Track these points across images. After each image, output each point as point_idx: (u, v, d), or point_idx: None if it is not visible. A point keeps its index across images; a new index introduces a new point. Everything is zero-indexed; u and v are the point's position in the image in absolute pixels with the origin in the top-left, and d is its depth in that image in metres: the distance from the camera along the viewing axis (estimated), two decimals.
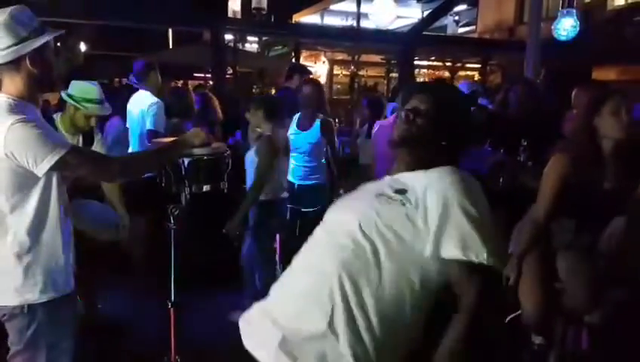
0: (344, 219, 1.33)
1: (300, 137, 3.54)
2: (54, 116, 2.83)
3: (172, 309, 2.23)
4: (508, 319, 2.83)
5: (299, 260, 1.38)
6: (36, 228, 1.63)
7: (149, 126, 3.48)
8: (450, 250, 1.20)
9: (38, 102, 1.73)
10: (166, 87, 3.85)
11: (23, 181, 1.59)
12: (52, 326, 1.68)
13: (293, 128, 3.61)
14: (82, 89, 2.72)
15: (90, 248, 2.55)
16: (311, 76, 5.02)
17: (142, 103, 3.59)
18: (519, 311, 2.63)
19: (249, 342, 1.31)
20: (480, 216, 1.23)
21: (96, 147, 2.83)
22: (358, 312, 1.18)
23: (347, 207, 1.41)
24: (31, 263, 1.63)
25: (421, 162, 1.37)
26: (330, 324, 1.19)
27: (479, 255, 1.19)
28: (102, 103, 2.75)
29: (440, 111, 1.38)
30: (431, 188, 1.27)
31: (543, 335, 2.52)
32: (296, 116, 3.66)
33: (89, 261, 2.67)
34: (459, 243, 1.20)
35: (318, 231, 1.39)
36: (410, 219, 1.24)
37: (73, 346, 1.76)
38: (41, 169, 1.55)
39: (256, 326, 1.33)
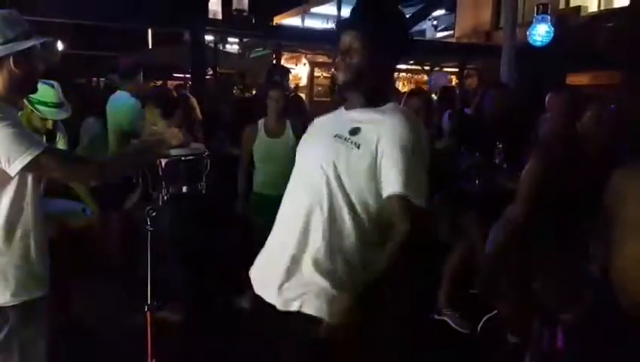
0: (310, 162, 1.49)
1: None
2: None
3: (148, 312, 2.21)
4: (484, 319, 2.88)
5: (282, 206, 1.56)
6: (7, 230, 1.60)
7: (126, 127, 3.45)
8: (393, 187, 1.36)
9: (17, 104, 1.73)
10: (146, 87, 3.80)
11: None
12: (25, 328, 1.65)
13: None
14: (40, 92, 2.54)
15: (64, 248, 2.52)
16: (291, 77, 5.02)
17: (120, 104, 3.56)
18: (495, 311, 2.68)
19: (257, 287, 1.54)
20: (417, 158, 1.39)
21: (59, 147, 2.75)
22: (328, 235, 1.40)
23: (310, 150, 1.55)
24: (3, 265, 1.60)
25: (370, 99, 1.48)
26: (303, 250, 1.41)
27: (416, 194, 1.36)
28: (59, 107, 2.65)
29: (373, 43, 1.44)
30: (382, 131, 1.39)
31: (519, 335, 2.56)
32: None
33: (63, 262, 2.65)
34: (400, 181, 1.35)
35: (294, 174, 1.56)
36: (361, 159, 1.39)
37: (46, 349, 1.73)
38: (13, 168, 1.53)
39: (261, 272, 1.55)
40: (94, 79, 9.66)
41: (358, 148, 1.39)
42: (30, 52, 1.65)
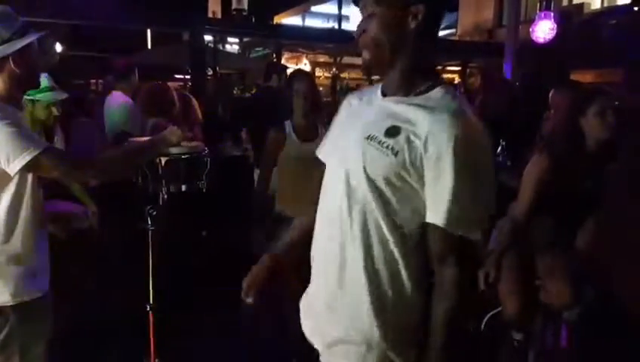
0: (335, 169, 1.20)
1: None
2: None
3: (151, 313, 2.19)
4: (488, 316, 2.85)
5: (317, 222, 1.28)
6: (7, 229, 1.59)
7: (121, 127, 3.43)
8: (436, 217, 1.07)
9: (19, 103, 1.72)
10: (143, 87, 3.77)
11: None
12: (25, 329, 1.63)
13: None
14: None
15: (64, 249, 2.51)
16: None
17: (114, 104, 3.55)
18: (499, 308, 2.65)
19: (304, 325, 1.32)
20: (478, 172, 1.07)
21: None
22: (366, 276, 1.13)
23: (336, 153, 1.23)
24: (2, 264, 1.59)
25: (408, 79, 1.14)
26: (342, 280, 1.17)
27: (469, 226, 1.08)
28: (54, 90, 2.73)
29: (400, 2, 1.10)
30: (429, 133, 1.05)
31: (523, 332, 2.54)
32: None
33: (64, 263, 2.63)
34: (448, 210, 1.05)
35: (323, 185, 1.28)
36: (399, 173, 1.08)
37: (47, 351, 1.72)
38: (13, 168, 1.51)
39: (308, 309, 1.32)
40: (93, 81, 9.65)
41: (396, 155, 1.07)
42: (28, 49, 1.64)
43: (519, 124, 4.02)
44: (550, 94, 3.44)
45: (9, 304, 1.60)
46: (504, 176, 3.31)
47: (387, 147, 1.08)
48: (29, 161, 1.51)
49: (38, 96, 2.67)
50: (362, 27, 1.14)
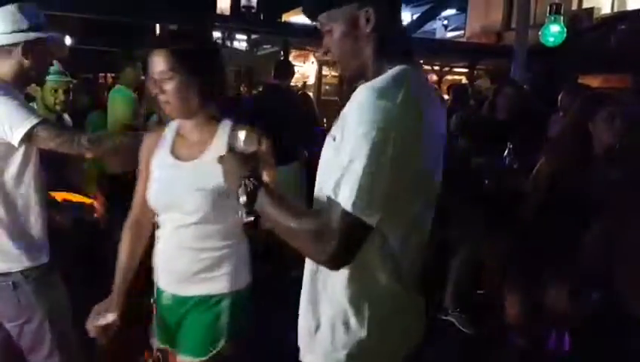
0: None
1: None
2: (33, 105, 2.80)
3: (153, 304, 2.20)
4: (491, 320, 2.84)
5: None
6: (9, 201, 1.70)
7: (123, 120, 3.45)
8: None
9: (21, 92, 1.77)
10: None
11: (4, 151, 1.66)
12: (42, 290, 1.74)
13: None
14: None
15: (67, 243, 2.52)
16: (299, 75, 4.99)
17: (117, 97, 3.57)
18: (502, 312, 2.64)
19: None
20: (373, 148, 0.97)
21: None
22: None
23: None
24: (4, 234, 1.69)
25: (372, 70, 1.12)
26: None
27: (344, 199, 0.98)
28: (62, 74, 2.79)
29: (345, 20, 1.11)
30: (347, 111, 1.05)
31: (526, 337, 2.53)
32: None
33: (65, 258, 2.64)
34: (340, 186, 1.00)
35: None
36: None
37: (71, 316, 1.83)
38: (16, 137, 1.60)
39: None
40: (101, 74, 9.69)
41: (334, 140, 1.08)
42: (40, 44, 1.72)
43: (528, 125, 4.00)
44: (560, 97, 3.43)
45: (14, 270, 1.70)
46: (510, 178, 3.30)
47: (332, 137, 1.09)
48: (28, 130, 1.60)
49: (48, 77, 2.70)
50: (326, 46, 1.15)
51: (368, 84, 1.05)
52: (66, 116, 2.99)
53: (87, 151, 1.70)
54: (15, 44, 1.67)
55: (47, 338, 1.75)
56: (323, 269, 1.11)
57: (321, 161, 1.16)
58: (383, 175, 0.97)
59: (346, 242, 0.98)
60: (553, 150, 2.39)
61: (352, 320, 1.10)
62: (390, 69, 1.08)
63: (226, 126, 1.54)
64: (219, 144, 1.50)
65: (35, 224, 1.75)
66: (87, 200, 2.86)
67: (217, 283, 1.55)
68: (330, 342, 1.13)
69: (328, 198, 1.00)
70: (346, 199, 0.97)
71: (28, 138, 1.62)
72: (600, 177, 2.24)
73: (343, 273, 1.08)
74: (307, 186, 3.95)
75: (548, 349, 2.56)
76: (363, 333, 1.10)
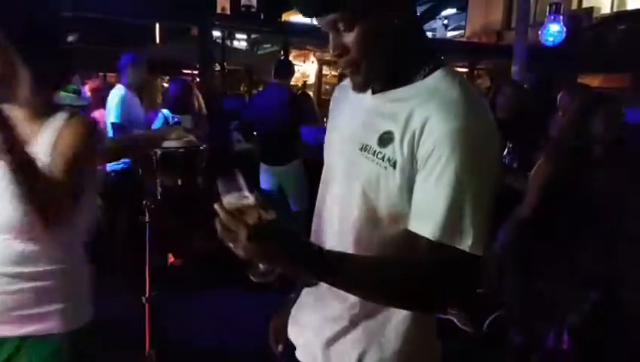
0: (336, 189, 1.05)
1: None
2: None
3: (147, 305, 2.20)
4: (490, 318, 2.85)
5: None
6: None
7: (113, 119, 3.45)
8: (420, 225, 0.89)
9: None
10: (142, 80, 3.76)
11: None
12: None
13: None
14: None
15: None
16: (299, 74, 4.99)
17: (112, 97, 3.57)
18: (501, 311, 2.65)
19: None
20: (479, 178, 0.86)
21: None
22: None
23: (337, 168, 1.06)
24: None
25: (396, 68, 0.96)
26: None
27: (462, 237, 0.86)
28: (77, 93, 2.75)
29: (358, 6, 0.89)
30: (425, 125, 0.87)
31: (525, 335, 2.54)
32: None
33: None
34: (438, 217, 0.87)
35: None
36: (396, 189, 0.91)
37: None
38: None
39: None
40: (101, 74, 9.67)
41: (394, 166, 0.90)
42: None
43: (527, 126, 4.00)
44: (559, 96, 3.44)
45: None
46: (510, 177, 3.30)
47: (384, 159, 0.91)
48: None
49: (63, 95, 2.77)
50: (340, 46, 0.94)
51: (442, 101, 0.88)
52: None
53: None
54: None
55: None
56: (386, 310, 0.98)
57: (346, 177, 1.00)
58: (491, 200, 0.89)
59: (472, 284, 0.92)
60: (553, 149, 2.40)
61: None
62: (429, 67, 0.94)
63: (59, 118, 1.25)
64: (44, 140, 1.22)
65: None
66: None
67: (44, 322, 1.23)
68: None
69: (432, 242, 0.86)
70: (469, 243, 0.85)
71: None
72: (599, 176, 2.25)
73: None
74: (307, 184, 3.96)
75: (547, 347, 2.57)
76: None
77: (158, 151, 2.06)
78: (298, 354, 1.15)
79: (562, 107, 3.31)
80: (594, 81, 8.79)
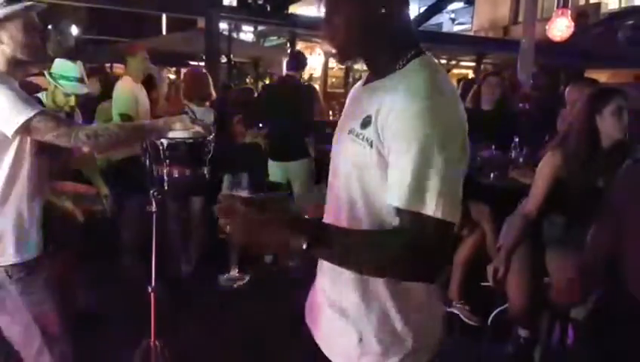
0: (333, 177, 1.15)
1: None
2: (41, 95, 2.81)
3: (152, 294, 2.21)
4: (494, 312, 2.86)
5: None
6: (4, 193, 1.65)
7: (121, 110, 3.45)
8: (393, 197, 0.96)
9: (16, 76, 1.70)
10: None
11: None
12: (29, 292, 1.69)
13: None
14: (61, 66, 2.74)
15: (73, 232, 2.54)
16: (306, 68, 4.96)
17: (119, 87, 3.57)
18: (506, 305, 2.65)
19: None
20: (439, 142, 0.93)
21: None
22: None
23: (336, 156, 1.16)
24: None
25: (380, 62, 1.07)
26: None
27: (431, 204, 0.93)
28: (80, 82, 2.76)
29: None
30: (392, 110, 0.96)
31: (529, 329, 2.54)
32: None
33: (69, 248, 2.67)
34: (406, 188, 0.94)
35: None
36: (375, 167, 1.01)
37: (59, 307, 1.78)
38: (9, 129, 1.55)
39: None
40: (107, 65, 9.69)
41: (372, 146, 1.00)
42: (14, 17, 1.61)
43: (533, 120, 4.00)
44: (567, 90, 3.42)
45: (3, 264, 1.67)
46: (516, 172, 3.30)
47: (363, 138, 1.01)
48: (24, 122, 1.55)
49: (64, 84, 2.71)
50: (328, 18, 1.05)
51: (407, 86, 0.97)
52: (76, 108, 2.99)
53: (84, 144, 1.66)
54: None
55: (35, 339, 1.72)
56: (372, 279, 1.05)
57: (341, 157, 1.10)
58: (456, 172, 0.96)
59: (439, 254, 0.96)
60: (560, 144, 2.39)
61: (398, 325, 1.07)
62: (407, 57, 1.03)
63: None
64: None
65: (28, 220, 1.70)
66: (93, 190, 2.87)
67: None
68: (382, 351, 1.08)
69: (400, 209, 0.94)
70: (433, 207, 0.92)
71: (24, 130, 1.57)
72: (607, 171, 2.25)
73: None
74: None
75: (551, 342, 2.57)
76: (409, 337, 1.08)
77: (165, 142, 2.07)
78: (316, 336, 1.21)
79: (569, 100, 3.30)
80: (601, 76, 8.75)
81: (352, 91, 1.25)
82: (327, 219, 1.15)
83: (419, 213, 0.93)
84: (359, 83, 1.22)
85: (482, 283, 3.07)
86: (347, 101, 1.24)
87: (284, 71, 4.18)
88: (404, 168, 0.93)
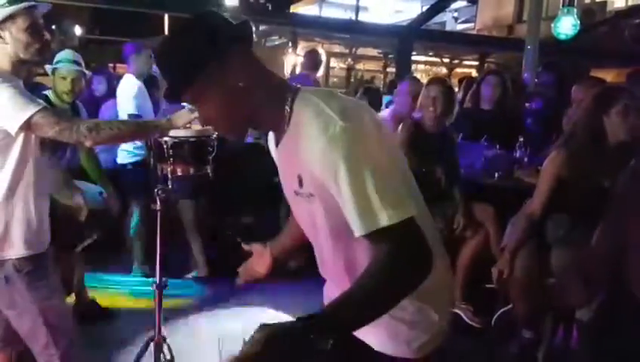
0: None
1: None
2: (47, 93, 2.83)
3: (158, 291, 2.22)
4: (498, 313, 2.84)
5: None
6: (10, 189, 1.66)
7: (131, 110, 3.45)
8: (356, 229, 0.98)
9: (20, 76, 1.70)
10: (146, 70, 3.75)
11: (3, 142, 1.62)
12: (35, 286, 1.71)
13: None
14: (58, 55, 2.81)
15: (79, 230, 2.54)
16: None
17: (125, 87, 3.57)
18: (510, 305, 2.63)
19: None
20: (360, 163, 0.95)
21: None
22: None
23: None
24: (3, 221, 1.67)
25: (266, 119, 1.10)
26: None
27: (379, 216, 0.95)
28: (76, 64, 2.78)
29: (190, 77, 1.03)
30: (310, 159, 1.01)
31: (533, 330, 2.52)
32: None
33: (74, 246, 2.67)
34: (357, 218, 0.97)
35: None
36: (324, 213, 1.08)
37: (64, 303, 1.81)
38: (12, 126, 1.57)
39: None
40: (110, 64, 9.71)
41: (315, 196, 1.07)
42: (19, 16, 1.62)
43: (539, 120, 3.96)
44: (573, 89, 3.39)
45: (8, 258, 1.68)
46: (521, 171, 3.28)
47: (307, 196, 1.08)
48: (27, 119, 1.57)
49: (58, 67, 2.75)
50: (203, 117, 1.12)
51: (305, 132, 1.01)
52: (81, 105, 2.99)
53: (85, 138, 1.67)
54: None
55: (42, 333, 1.73)
56: None
57: (306, 216, 1.17)
58: (388, 170, 0.98)
59: (418, 246, 0.97)
60: (564, 144, 2.37)
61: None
62: (288, 104, 1.06)
63: None
64: None
65: (36, 215, 1.72)
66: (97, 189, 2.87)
67: None
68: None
69: (365, 235, 0.96)
70: (386, 217, 0.93)
71: (27, 126, 1.59)
72: (613, 171, 2.22)
73: None
74: None
75: (555, 343, 2.55)
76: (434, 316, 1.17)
77: (169, 141, 2.07)
78: None
79: (576, 99, 3.27)
80: (607, 75, 8.69)
81: (273, 153, 1.26)
82: (325, 268, 1.23)
83: (378, 229, 0.94)
84: (272, 144, 1.23)
85: (486, 285, 3.05)
86: (277, 163, 1.26)
87: (288, 70, 4.16)
88: (347, 198, 0.96)
